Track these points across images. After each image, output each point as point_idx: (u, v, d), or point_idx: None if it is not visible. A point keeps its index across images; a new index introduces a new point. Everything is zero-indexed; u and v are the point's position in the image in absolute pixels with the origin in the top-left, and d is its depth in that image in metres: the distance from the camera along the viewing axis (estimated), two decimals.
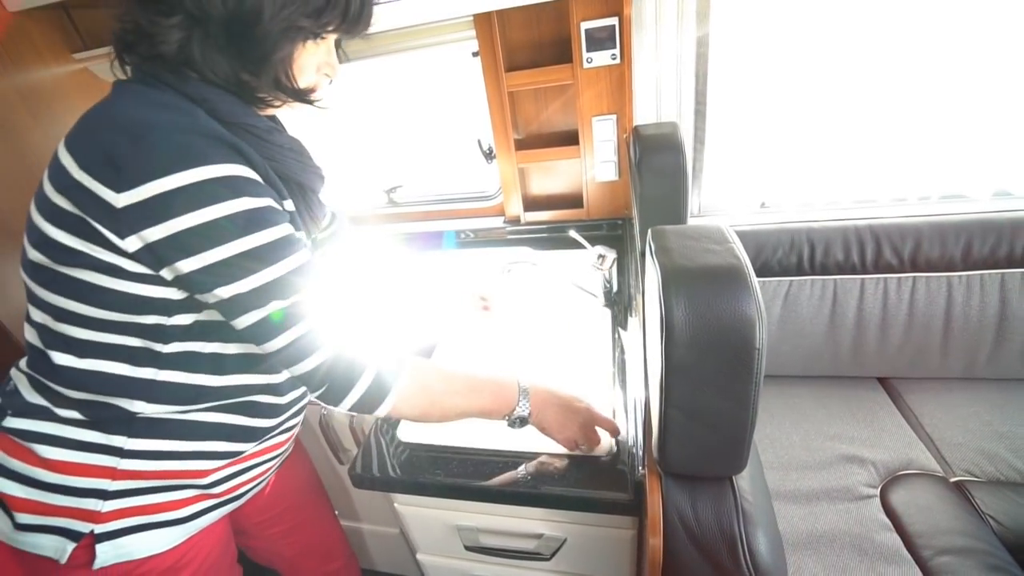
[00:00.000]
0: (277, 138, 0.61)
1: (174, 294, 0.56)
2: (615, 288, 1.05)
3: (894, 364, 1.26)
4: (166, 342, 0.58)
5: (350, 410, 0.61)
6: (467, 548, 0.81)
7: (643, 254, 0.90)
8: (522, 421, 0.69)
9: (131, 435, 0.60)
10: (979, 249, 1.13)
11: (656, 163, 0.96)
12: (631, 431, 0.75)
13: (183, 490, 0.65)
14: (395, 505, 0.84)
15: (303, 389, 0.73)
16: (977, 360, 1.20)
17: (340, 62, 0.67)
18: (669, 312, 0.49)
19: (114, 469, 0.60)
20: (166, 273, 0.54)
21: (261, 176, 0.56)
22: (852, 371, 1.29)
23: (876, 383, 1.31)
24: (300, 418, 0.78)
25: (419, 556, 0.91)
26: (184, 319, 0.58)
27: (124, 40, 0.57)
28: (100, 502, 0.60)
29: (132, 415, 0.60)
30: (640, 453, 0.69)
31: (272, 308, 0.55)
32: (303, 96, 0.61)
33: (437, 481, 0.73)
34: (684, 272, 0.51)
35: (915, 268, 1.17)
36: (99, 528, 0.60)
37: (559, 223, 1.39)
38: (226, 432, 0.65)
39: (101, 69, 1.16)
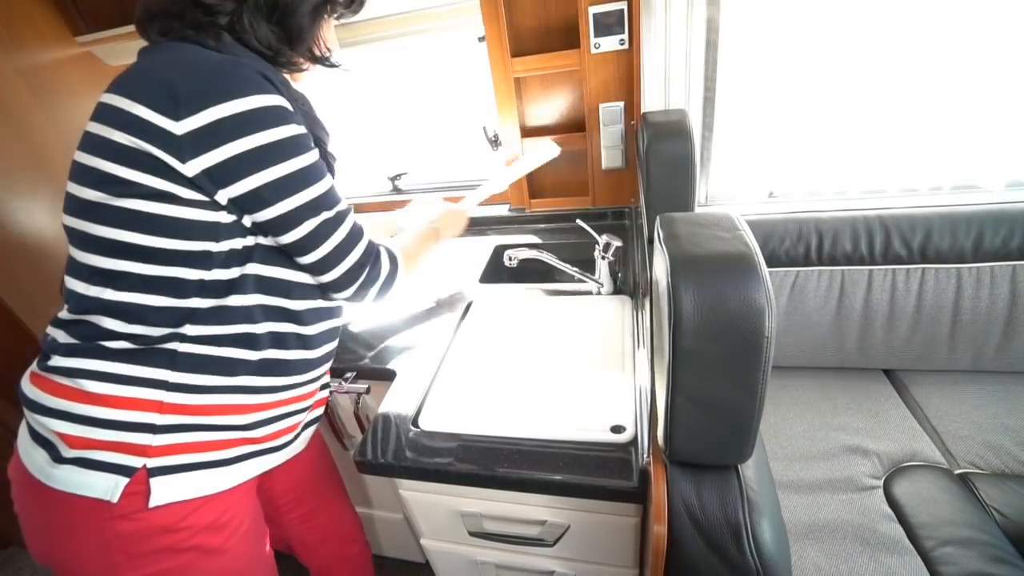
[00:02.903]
0: (291, 92, 0.65)
1: (224, 217, 0.61)
2: (620, 276, 1.05)
3: (900, 356, 1.25)
4: (210, 268, 0.62)
5: (380, 292, 0.76)
6: (471, 533, 0.82)
7: (651, 241, 0.89)
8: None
9: (175, 368, 0.62)
10: (991, 241, 1.11)
11: (664, 151, 0.95)
12: (637, 419, 0.75)
13: (226, 431, 0.67)
14: (399, 491, 0.84)
15: (330, 328, 0.77)
16: (985, 353, 1.19)
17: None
18: (678, 299, 0.49)
19: (161, 403, 0.62)
20: (221, 196, 0.59)
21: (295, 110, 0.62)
22: (858, 363, 1.29)
23: (882, 375, 1.30)
24: (328, 369, 0.81)
25: (423, 541, 0.92)
26: (233, 244, 0.62)
27: (168, 11, 0.61)
28: (150, 436, 0.61)
29: (175, 348, 0.62)
30: (646, 441, 0.69)
31: (321, 219, 0.64)
32: (328, 61, 0.73)
33: (441, 467, 0.73)
34: (693, 259, 0.51)
35: (924, 260, 1.16)
36: (151, 462, 0.61)
37: (565, 211, 1.38)
38: (259, 366, 0.67)
39: (104, 52, 1.15)
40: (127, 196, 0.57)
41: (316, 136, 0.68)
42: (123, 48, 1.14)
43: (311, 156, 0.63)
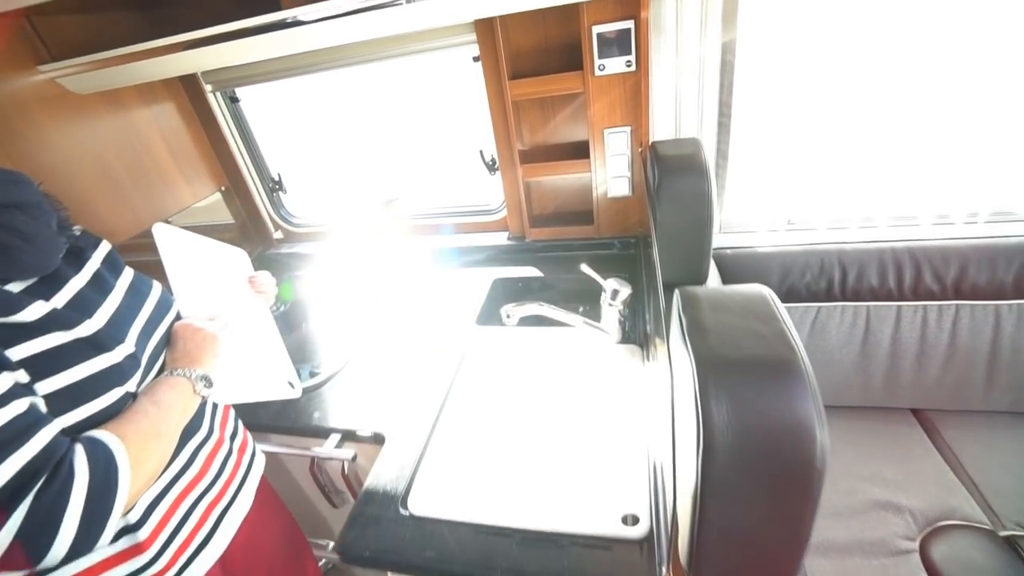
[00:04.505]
0: None
1: None
2: (628, 323, 0.96)
3: (931, 396, 1.16)
4: None
5: (74, 544, 0.48)
6: None
7: (667, 310, 0.80)
8: (205, 380, 0.66)
9: None
10: None
11: (678, 188, 0.86)
12: (653, 513, 0.66)
13: None
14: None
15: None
16: None
17: None
18: (707, 416, 0.40)
19: None
20: None
21: None
22: (883, 401, 1.20)
23: (909, 415, 1.21)
24: (207, 422, 0.71)
25: None
26: None
27: None
28: None
29: None
30: (664, 546, 0.60)
31: None
32: None
33: (432, 563, 0.65)
34: (725, 365, 0.42)
35: (959, 295, 1.07)
36: None
37: (567, 240, 1.29)
38: None
39: (71, 81, 1.06)
40: None
41: None
42: (92, 77, 1.06)
43: None
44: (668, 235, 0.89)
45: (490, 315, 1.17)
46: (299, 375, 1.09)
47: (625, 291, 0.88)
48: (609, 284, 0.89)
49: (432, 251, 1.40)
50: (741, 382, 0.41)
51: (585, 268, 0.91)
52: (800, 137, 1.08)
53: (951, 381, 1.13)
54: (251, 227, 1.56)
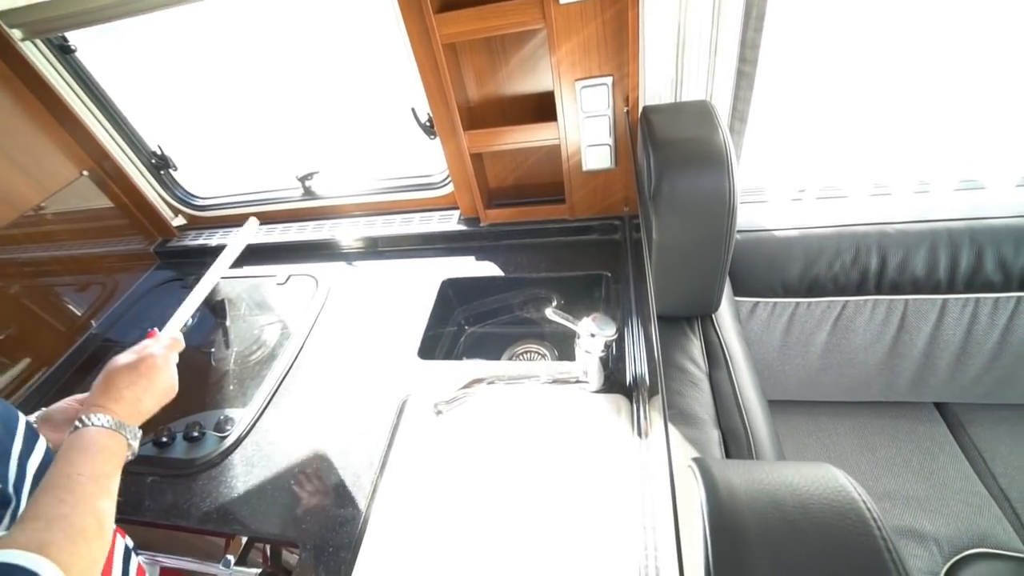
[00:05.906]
0: None
1: None
2: (611, 364, 0.73)
3: (962, 391, 1.00)
4: None
5: None
6: None
7: (661, 352, 0.56)
8: (138, 442, 0.52)
9: None
10: None
11: (684, 192, 0.59)
12: None
13: None
14: None
15: None
16: None
17: None
18: None
19: None
20: None
21: None
22: (905, 396, 1.04)
23: (932, 409, 1.06)
24: None
25: None
26: None
27: None
28: None
29: None
30: None
31: None
32: None
33: None
34: None
35: None
36: None
37: (533, 224, 1.02)
38: None
39: None
40: None
41: None
42: None
43: None
44: (669, 257, 0.64)
45: (439, 331, 0.93)
46: (203, 432, 0.87)
47: (605, 333, 0.64)
48: (584, 327, 0.64)
49: (364, 239, 1.12)
50: None
51: (551, 313, 0.66)
52: (845, 82, 0.79)
53: (992, 379, 0.96)
54: (140, 215, 1.23)
